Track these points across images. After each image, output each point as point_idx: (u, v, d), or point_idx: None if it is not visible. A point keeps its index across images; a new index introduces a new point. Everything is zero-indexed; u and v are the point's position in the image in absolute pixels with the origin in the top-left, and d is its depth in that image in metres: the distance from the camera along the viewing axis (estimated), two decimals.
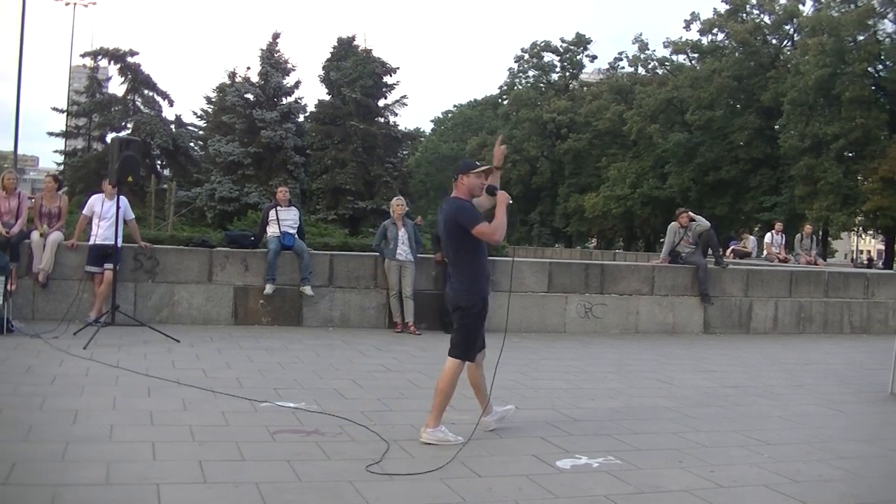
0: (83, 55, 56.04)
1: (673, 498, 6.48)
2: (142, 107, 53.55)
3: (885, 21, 55.92)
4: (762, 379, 12.47)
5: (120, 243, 13.83)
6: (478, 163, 8.07)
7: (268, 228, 15.55)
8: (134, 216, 15.06)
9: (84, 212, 14.42)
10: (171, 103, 55.19)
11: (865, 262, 68.61)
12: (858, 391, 11.79)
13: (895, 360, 11.42)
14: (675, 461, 7.48)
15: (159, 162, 53.40)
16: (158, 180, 45.72)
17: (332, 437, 7.61)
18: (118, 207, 13.57)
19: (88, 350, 11.33)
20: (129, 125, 52.05)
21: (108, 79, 57.27)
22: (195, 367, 10.82)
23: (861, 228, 63.23)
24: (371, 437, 7.70)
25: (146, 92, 53.54)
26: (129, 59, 52.70)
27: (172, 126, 53.52)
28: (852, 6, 56.61)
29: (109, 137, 44.13)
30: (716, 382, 11.93)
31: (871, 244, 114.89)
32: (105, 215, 14.01)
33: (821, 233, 56.17)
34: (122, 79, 53.42)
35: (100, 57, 53.87)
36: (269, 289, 15.07)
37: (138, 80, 52.99)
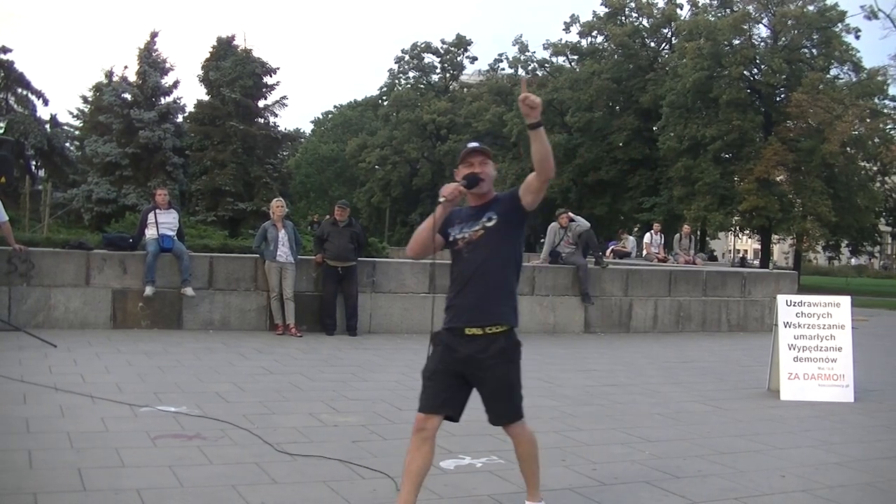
0: None
1: (556, 496, 6.52)
2: (15, 105, 52.32)
3: (760, 26, 57.15)
4: (642, 377, 12.67)
5: None
6: (473, 144, 5.96)
7: (146, 231, 15.36)
8: (7, 218, 14.69)
9: None
10: (45, 102, 53.95)
11: (738, 261, 69.79)
12: (736, 388, 12.04)
13: (771, 357, 11.68)
14: (558, 460, 7.55)
15: (34, 162, 52.27)
16: (33, 181, 44.79)
17: (214, 442, 7.54)
18: None
19: None
20: (1, 125, 50.87)
21: None
22: (73, 372, 10.63)
23: (738, 228, 64.27)
24: (254, 440, 7.64)
25: (19, 90, 52.34)
26: (2, 56, 51.53)
27: (47, 126, 52.39)
28: (728, 11, 57.66)
29: None
30: (597, 381, 12.08)
31: (748, 244, 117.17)
32: None
33: (699, 232, 57.13)
34: None
35: None
36: (148, 291, 14.89)
37: (11, 77, 51.76)
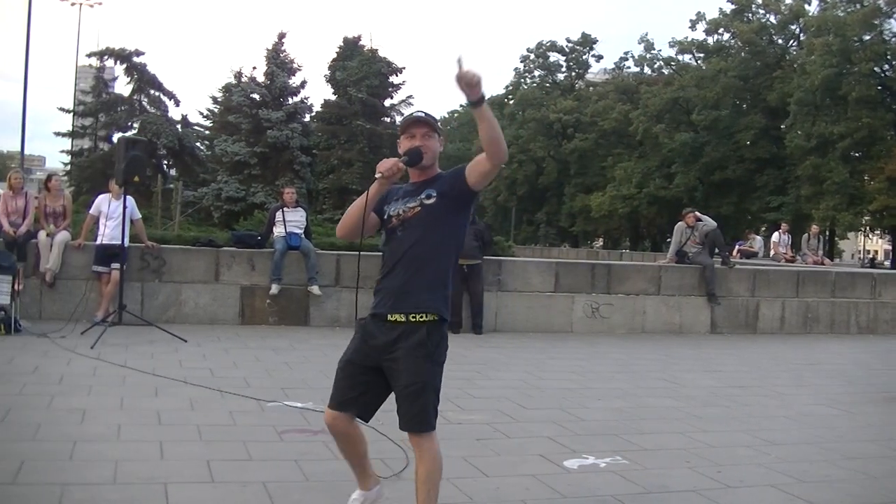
0: (89, 55, 56.19)
1: (680, 498, 6.46)
2: (148, 107, 53.49)
3: (891, 21, 55.95)
4: (769, 379, 12.45)
5: (127, 243, 13.82)
6: (418, 113, 5.28)
7: (274, 228, 15.55)
8: (140, 216, 15.03)
9: (91, 211, 14.45)
10: (177, 103, 54.97)
11: (867, 262, 68.45)
12: (865, 391, 11.76)
13: None
14: (683, 461, 7.46)
15: (165, 162, 53.34)
16: (165, 180, 45.83)
17: None
18: (125, 207, 13.59)
19: (95, 349, 11.33)
20: (135, 125, 52.00)
21: (114, 79, 57.10)
22: (202, 366, 10.82)
23: (868, 228, 63.11)
24: (378, 437, 7.65)
25: (152, 92, 53.46)
26: (135, 59, 52.67)
27: (178, 126, 53.41)
28: (858, 6, 56.59)
29: (116, 137, 44.16)
30: (722, 382, 11.91)
31: (878, 244, 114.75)
32: (112, 215, 13.99)
33: (827, 233, 56.19)
34: (128, 79, 53.40)
35: (105, 57, 53.90)
36: (275, 289, 15.07)
37: (144, 80, 52.94)
